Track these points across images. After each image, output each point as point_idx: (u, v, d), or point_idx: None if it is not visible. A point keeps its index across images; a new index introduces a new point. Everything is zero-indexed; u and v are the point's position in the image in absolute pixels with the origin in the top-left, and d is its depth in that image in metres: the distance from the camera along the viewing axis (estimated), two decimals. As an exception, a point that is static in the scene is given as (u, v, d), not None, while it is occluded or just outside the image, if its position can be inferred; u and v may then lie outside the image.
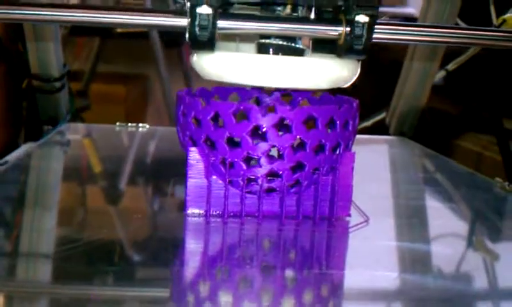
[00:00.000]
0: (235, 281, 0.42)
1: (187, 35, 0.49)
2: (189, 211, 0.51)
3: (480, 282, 0.44)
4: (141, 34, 1.68)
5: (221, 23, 0.48)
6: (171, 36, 1.75)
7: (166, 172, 0.65)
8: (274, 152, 0.50)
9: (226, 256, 0.46)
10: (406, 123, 0.92)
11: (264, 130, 0.48)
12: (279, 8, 0.52)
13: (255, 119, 0.48)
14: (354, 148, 0.53)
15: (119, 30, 1.68)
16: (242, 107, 0.49)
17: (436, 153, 0.80)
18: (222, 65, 0.51)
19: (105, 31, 1.69)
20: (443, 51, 0.87)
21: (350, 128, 0.51)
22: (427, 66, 0.86)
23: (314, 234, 0.51)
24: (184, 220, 0.51)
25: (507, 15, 0.75)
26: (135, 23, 0.52)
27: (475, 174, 0.71)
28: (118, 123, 0.84)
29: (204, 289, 0.40)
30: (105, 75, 1.79)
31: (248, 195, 0.51)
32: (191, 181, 0.51)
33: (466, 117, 1.58)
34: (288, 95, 0.60)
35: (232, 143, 0.50)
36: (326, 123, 0.49)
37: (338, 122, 0.50)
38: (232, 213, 0.51)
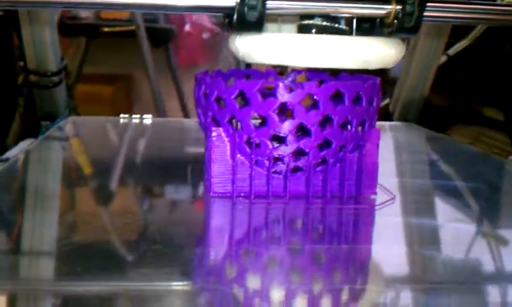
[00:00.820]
0: (263, 262, 0.41)
1: (235, 16, 0.47)
2: (215, 193, 0.50)
3: (497, 260, 0.44)
4: (127, 33, 1.66)
5: (269, 4, 0.47)
6: (159, 35, 1.74)
7: (180, 159, 0.64)
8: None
9: (254, 237, 0.45)
10: (410, 111, 0.92)
11: (291, 107, 0.47)
12: None
13: (282, 96, 0.47)
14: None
15: (106, 29, 1.67)
16: (268, 85, 0.48)
17: (444, 135, 0.80)
18: (273, 47, 0.50)
19: (91, 31, 1.68)
20: (447, 35, 0.87)
21: (374, 104, 0.51)
22: (431, 52, 0.86)
23: (342, 213, 0.50)
24: (210, 202, 0.50)
25: None
26: (179, 6, 0.50)
27: (489, 155, 0.71)
28: (122, 115, 0.83)
29: (231, 270, 0.39)
30: (92, 75, 1.78)
31: (273, 175, 0.50)
32: (215, 163, 0.50)
33: (456, 109, 1.60)
34: (304, 76, 0.60)
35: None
36: (352, 99, 0.49)
37: (364, 98, 0.49)
38: (257, 194, 0.50)
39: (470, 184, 0.62)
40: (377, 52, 0.50)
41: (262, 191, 0.50)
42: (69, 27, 1.65)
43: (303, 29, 0.52)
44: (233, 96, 0.48)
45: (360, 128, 0.51)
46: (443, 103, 1.56)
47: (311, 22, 0.52)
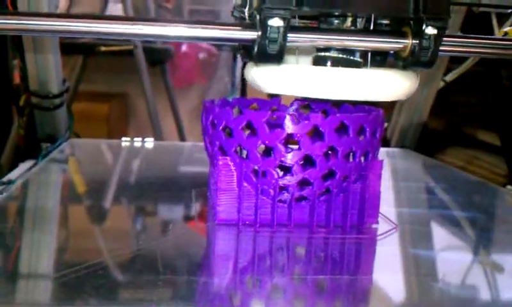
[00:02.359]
0: (267, 290, 0.42)
1: (255, 48, 0.48)
2: (220, 221, 0.52)
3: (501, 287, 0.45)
4: (124, 52, 1.68)
5: (290, 37, 0.48)
6: (155, 55, 1.76)
7: (184, 185, 0.65)
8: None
9: (258, 265, 0.47)
10: (407, 137, 0.93)
11: (297, 138, 0.49)
12: (336, 21, 0.52)
13: (288, 128, 0.49)
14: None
15: (103, 48, 1.68)
16: (275, 116, 0.49)
17: (440, 162, 0.82)
18: (291, 78, 0.51)
19: (88, 49, 1.69)
20: (446, 62, 0.89)
21: (377, 136, 0.53)
22: (430, 79, 0.88)
23: (345, 242, 0.51)
24: (215, 229, 0.51)
25: (508, 28, 0.77)
26: (199, 37, 0.51)
27: (485, 183, 0.73)
28: (123, 138, 0.84)
29: (236, 298, 0.40)
30: (88, 93, 1.79)
31: (278, 204, 0.52)
32: (222, 191, 0.51)
33: (450, 131, 1.62)
34: (307, 106, 0.61)
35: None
36: (356, 131, 0.50)
37: (368, 129, 0.51)
38: (262, 222, 0.52)
39: (466, 213, 0.63)
40: (393, 85, 0.52)
41: (267, 219, 0.52)
42: (66, 46, 1.66)
43: (319, 61, 0.54)
44: (240, 127, 0.50)
45: (363, 159, 0.52)
46: (438, 127, 1.58)
47: (327, 54, 0.53)
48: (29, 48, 0.87)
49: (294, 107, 0.60)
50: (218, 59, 1.96)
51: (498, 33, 0.80)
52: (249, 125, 0.50)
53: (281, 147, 0.49)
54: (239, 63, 1.89)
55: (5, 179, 0.65)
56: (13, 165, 0.85)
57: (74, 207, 0.60)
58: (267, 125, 0.49)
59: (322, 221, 0.52)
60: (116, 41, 1.65)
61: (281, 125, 0.49)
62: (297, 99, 0.60)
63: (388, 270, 0.47)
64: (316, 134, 0.50)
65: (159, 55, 1.77)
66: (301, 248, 0.50)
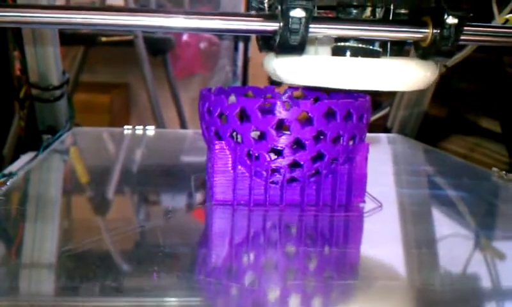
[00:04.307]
0: (261, 262, 0.47)
1: (277, 39, 0.50)
2: (216, 201, 0.57)
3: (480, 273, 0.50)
4: (124, 43, 1.73)
5: (311, 28, 0.50)
6: (156, 45, 1.80)
7: (183, 170, 0.70)
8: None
9: (252, 241, 0.52)
10: (408, 126, 0.97)
11: (288, 123, 0.54)
12: (355, 11, 0.54)
13: (280, 113, 0.54)
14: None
15: (103, 39, 1.73)
16: (267, 102, 0.55)
17: (433, 148, 0.87)
18: (312, 69, 0.54)
19: (89, 40, 1.74)
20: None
21: (364, 121, 0.58)
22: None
23: (333, 219, 0.57)
24: (212, 209, 0.57)
25: (509, 15, 0.80)
26: (219, 29, 0.52)
27: (474, 167, 0.78)
28: (125, 127, 0.89)
29: (231, 271, 0.45)
30: (89, 84, 1.83)
31: (271, 185, 0.57)
32: (217, 173, 0.57)
33: (452, 119, 1.65)
34: (300, 93, 0.66)
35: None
36: (344, 116, 0.55)
37: (354, 115, 0.56)
38: (256, 202, 0.57)
39: (450, 192, 0.69)
40: (413, 75, 0.54)
41: (260, 200, 0.57)
42: (66, 37, 1.71)
43: (338, 51, 0.56)
44: (234, 113, 0.55)
45: (350, 142, 0.57)
46: (440, 114, 1.62)
47: (346, 44, 0.55)
48: (28, 40, 0.90)
49: (286, 95, 0.65)
50: (219, 49, 2.01)
51: (498, 20, 0.82)
52: (243, 112, 0.55)
53: (272, 132, 0.54)
54: (240, 52, 1.94)
55: (6, 171, 0.68)
56: (15, 157, 0.88)
57: (77, 194, 0.66)
58: (259, 111, 0.54)
59: (312, 201, 0.58)
60: (116, 31, 1.68)
61: (273, 111, 0.54)
62: (290, 87, 0.66)
63: (373, 243, 0.52)
64: (308, 120, 0.55)
65: (160, 46, 1.81)
66: (293, 225, 0.55)
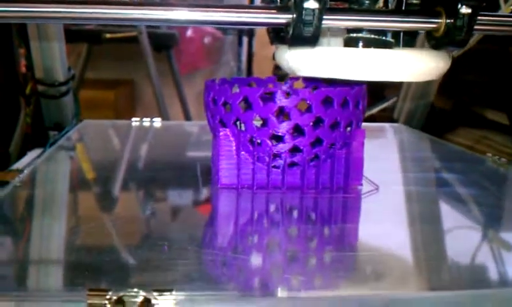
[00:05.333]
0: (265, 241, 0.52)
1: (290, 31, 0.51)
2: (222, 185, 0.62)
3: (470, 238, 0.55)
4: (128, 39, 1.77)
5: (324, 19, 0.50)
6: (160, 41, 1.85)
7: (188, 158, 0.75)
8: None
9: (256, 222, 0.57)
10: (414, 117, 1.01)
11: (288, 110, 0.59)
12: (367, 2, 0.55)
13: (280, 101, 0.59)
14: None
15: (108, 35, 1.77)
16: (268, 91, 0.60)
17: (435, 138, 0.92)
18: (325, 60, 0.55)
19: (93, 37, 1.78)
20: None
21: (360, 107, 0.62)
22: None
23: (332, 200, 0.61)
24: (218, 193, 0.62)
25: None
26: (232, 21, 0.52)
27: (472, 154, 0.83)
28: (133, 119, 0.94)
29: (237, 247, 0.50)
30: (94, 81, 1.88)
31: (272, 169, 0.62)
32: (223, 159, 0.61)
33: (458, 111, 1.68)
34: (300, 83, 0.71)
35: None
36: (340, 103, 0.60)
37: (351, 102, 0.61)
38: (259, 186, 0.62)
39: (445, 175, 0.74)
40: (426, 65, 0.55)
41: (263, 183, 0.62)
42: (71, 34, 1.76)
43: (351, 42, 0.57)
44: (238, 102, 0.60)
45: (347, 129, 0.62)
46: (447, 106, 1.65)
47: (359, 35, 0.56)
48: (33, 35, 0.93)
49: (287, 84, 0.70)
50: (223, 43, 2.05)
51: (504, 9, 0.84)
52: (245, 100, 0.60)
53: (274, 119, 0.59)
54: (245, 47, 1.98)
55: (14, 168, 0.71)
56: (21, 153, 0.92)
57: (84, 190, 0.71)
58: (261, 100, 0.59)
59: (312, 184, 0.62)
60: (122, 27, 1.73)
61: (273, 100, 0.59)
62: (291, 77, 0.71)
63: (370, 222, 0.57)
64: (307, 108, 0.60)
65: (164, 41, 1.85)
66: (294, 206, 0.60)
